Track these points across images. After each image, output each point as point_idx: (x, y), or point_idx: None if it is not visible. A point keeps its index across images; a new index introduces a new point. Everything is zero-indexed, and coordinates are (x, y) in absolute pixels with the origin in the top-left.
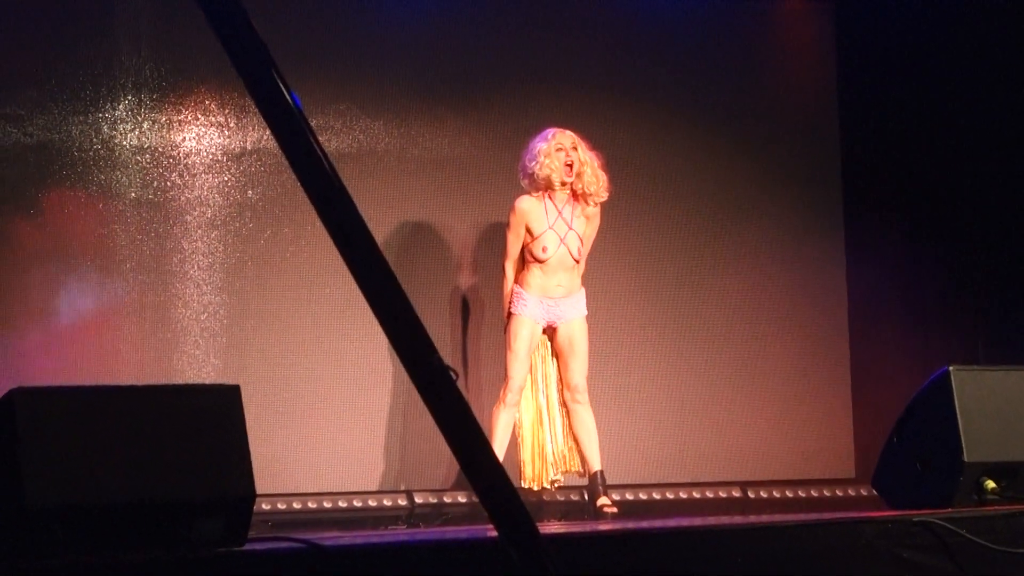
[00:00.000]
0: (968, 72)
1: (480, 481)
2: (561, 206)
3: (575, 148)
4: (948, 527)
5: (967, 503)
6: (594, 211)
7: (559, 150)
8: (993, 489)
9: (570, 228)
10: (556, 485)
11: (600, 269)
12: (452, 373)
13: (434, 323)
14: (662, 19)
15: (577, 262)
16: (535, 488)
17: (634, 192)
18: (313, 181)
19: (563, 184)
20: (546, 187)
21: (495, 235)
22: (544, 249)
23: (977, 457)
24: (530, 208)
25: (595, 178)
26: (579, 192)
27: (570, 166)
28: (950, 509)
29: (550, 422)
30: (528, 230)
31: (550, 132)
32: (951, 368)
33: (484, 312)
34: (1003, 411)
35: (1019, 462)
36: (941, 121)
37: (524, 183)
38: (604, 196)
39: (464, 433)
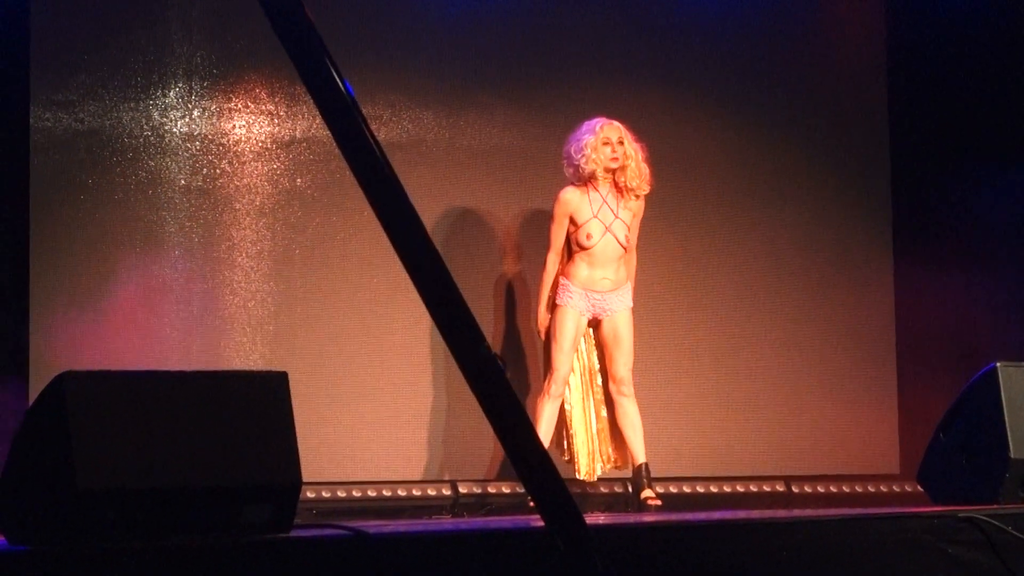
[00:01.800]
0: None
1: (527, 471)
2: (605, 194)
3: (621, 142)
4: (994, 523)
5: (1013, 499)
6: (637, 204)
7: (605, 144)
8: None
9: (616, 217)
10: (600, 477)
11: (645, 263)
12: (500, 363)
13: (482, 313)
14: (709, 5)
15: (625, 250)
16: (588, 479)
17: (680, 184)
18: (365, 169)
19: (606, 174)
20: (590, 179)
21: (543, 225)
22: (588, 236)
23: None
24: (573, 198)
25: (638, 171)
26: (622, 185)
27: (615, 159)
28: (996, 505)
29: (596, 415)
30: (572, 220)
31: (597, 123)
32: (998, 364)
33: (532, 303)
34: None
35: None
36: (993, 109)
37: (568, 172)
38: (646, 189)
39: (512, 423)
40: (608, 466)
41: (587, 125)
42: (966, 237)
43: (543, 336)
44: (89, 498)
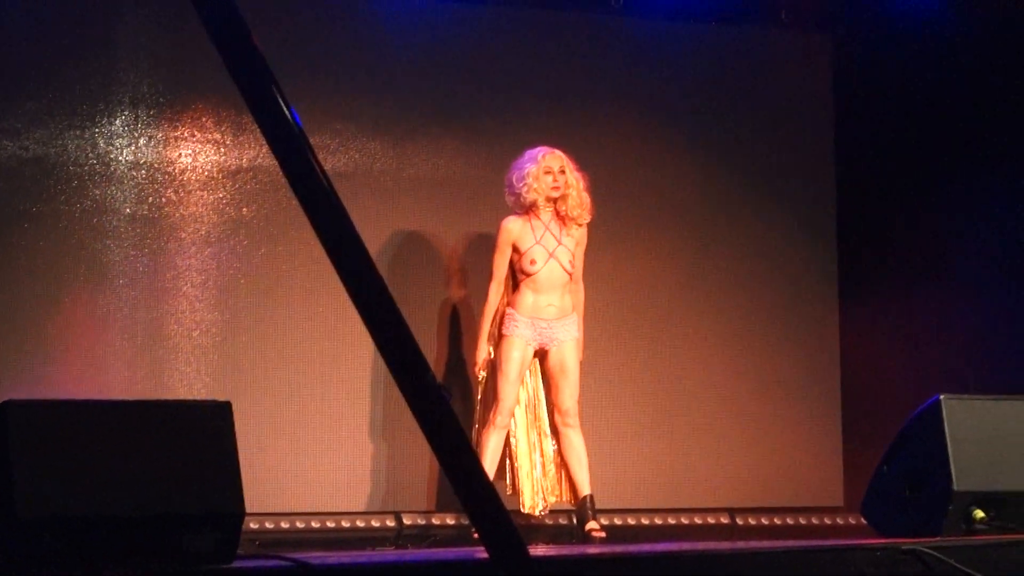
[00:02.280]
0: (967, 103)
1: (472, 502)
2: (547, 222)
3: (563, 171)
4: (937, 556)
5: (956, 532)
6: (580, 231)
7: (547, 173)
8: (982, 519)
9: (559, 243)
10: (546, 511)
11: (590, 290)
12: (445, 393)
13: (428, 342)
14: (658, 45)
15: (570, 275)
16: (534, 513)
17: (625, 213)
18: (311, 199)
19: (548, 203)
20: (532, 207)
21: (490, 255)
22: (532, 262)
23: (967, 486)
24: (515, 227)
25: (579, 200)
26: (563, 214)
27: (556, 189)
28: (939, 538)
29: (541, 448)
30: (515, 247)
31: (539, 152)
32: (942, 397)
33: (478, 333)
34: (993, 440)
35: (1008, 492)
36: (938, 149)
37: (510, 201)
38: (587, 218)
39: (456, 454)
40: (552, 499)
41: (529, 154)
42: (911, 273)
43: (479, 369)
44: (30, 528)
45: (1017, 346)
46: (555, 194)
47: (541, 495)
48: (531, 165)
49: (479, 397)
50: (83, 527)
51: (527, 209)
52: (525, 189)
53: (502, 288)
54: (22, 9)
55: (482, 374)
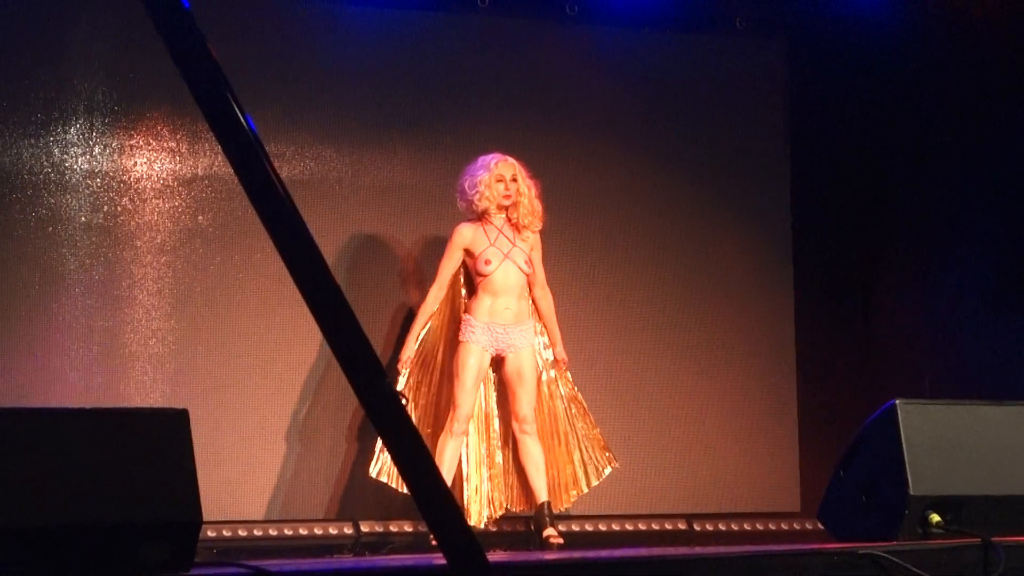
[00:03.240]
0: (920, 111)
1: (429, 508)
2: (500, 226)
3: (514, 179)
4: (893, 560)
5: (912, 536)
6: (533, 237)
7: (499, 181)
8: (938, 523)
9: (513, 245)
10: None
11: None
12: (402, 398)
13: (384, 349)
14: (613, 52)
15: (527, 277)
16: (477, 526)
17: (579, 221)
18: (267, 207)
19: (499, 211)
20: (484, 214)
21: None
22: (487, 262)
23: (922, 491)
24: (468, 232)
25: (530, 208)
26: (515, 222)
27: (508, 197)
28: (895, 542)
29: (491, 459)
30: (469, 252)
31: (492, 160)
32: (898, 401)
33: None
34: (949, 445)
35: (964, 496)
36: (891, 157)
37: (461, 207)
38: (539, 226)
39: (413, 460)
40: (499, 513)
41: (481, 161)
42: (866, 279)
43: (401, 366)
44: None
45: (972, 351)
46: (506, 202)
47: (486, 509)
48: (483, 172)
49: (405, 400)
50: (38, 537)
51: (479, 216)
52: (477, 196)
53: (443, 293)
54: None
55: (404, 372)
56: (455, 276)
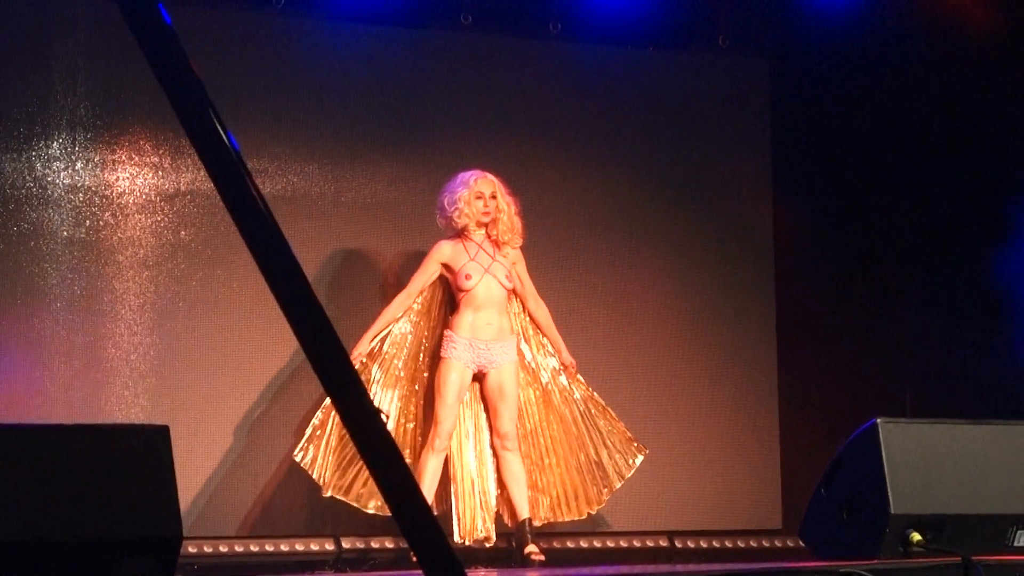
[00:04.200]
0: (902, 127)
1: (410, 526)
2: (480, 241)
3: (494, 196)
4: None
5: (893, 554)
6: (515, 254)
7: (478, 198)
8: (919, 541)
9: (493, 260)
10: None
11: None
12: (383, 415)
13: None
14: (596, 70)
15: (508, 292)
16: (466, 543)
17: (561, 238)
18: (248, 222)
19: (479, 227)
20: (463, 231)
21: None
22: (468, 276)
23: (903, 509)
24: (447, 249)
25: (510, 225)
26: (494, 238)
27: (487, 214)
28: (876, 560)
29: (482, 472)
30: (449, 268)
31: (471, 176)
32: (879, 420)
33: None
34: (930, 464)
35: (945, 515)
36: (873, 174)
37: (441, 223)
38: (519, 243)
39: (394, 477)
40: (490, 526)
41: (461, 177)
42: (848, 297)
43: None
44: None
45: (953, 370)
46: (486, 219)
47: (480, 523)
48: (463, 189)
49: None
50: (19, 552)
51: (459, 232)
52: (456, 213)
53: (408, 302)
54: None
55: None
56: (430, 295)
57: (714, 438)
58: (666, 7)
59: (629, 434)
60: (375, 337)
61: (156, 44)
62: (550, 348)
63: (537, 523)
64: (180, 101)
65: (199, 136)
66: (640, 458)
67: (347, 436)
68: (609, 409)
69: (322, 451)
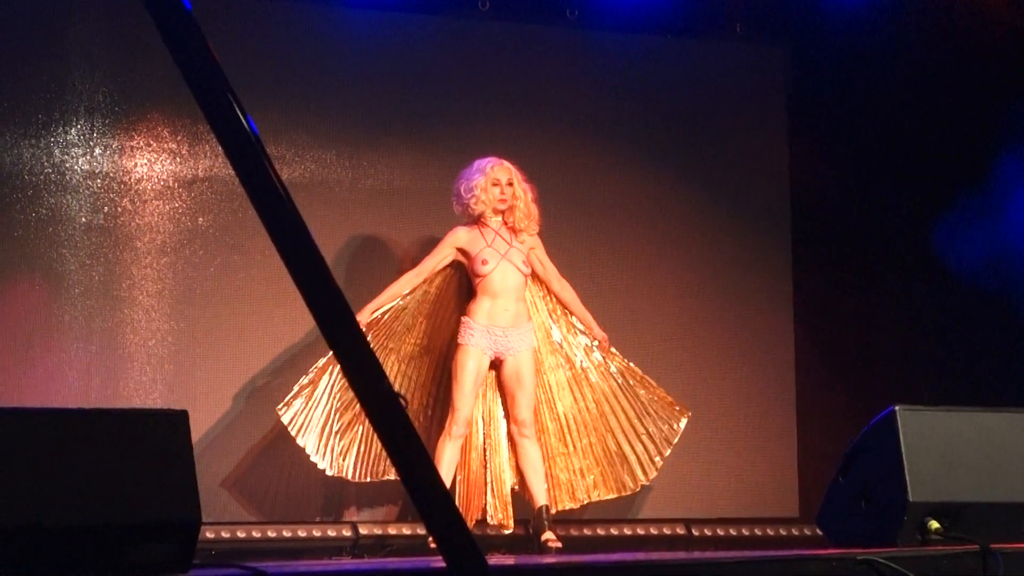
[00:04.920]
0: (920, 115)
1: (429, 511)
2: (497, 228)
3: (510, 183)
4: (892, 566)
5: (911, 542)
6: (532, 240)
7: (495, 185)
8: (937, 529)
9: (511, 246)
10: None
11: (544, 300)
12: (402, 401)
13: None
14: (614, 57)
15: (525, 278)
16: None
17: (578, 225)
18: (268, 208)
19: (495, 214)
20: (479, 218)
21: (448, 265)
22: (484, 262)
23: (922, 497)
24: (463, 235)
25: (527, 212)
26: (511, 225)
27: (503, 201)
28: (894, 548)
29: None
30: (465, 253)
31: (488, 163)
32: (897, 408)
33: (444, 342)
34: (948, 451)
35: (963, 503)
36: (889, 163)
37: (457, 210)
38: (535, 230)
39: (413, 462)
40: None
41: (477, 164)
42: (866, 285)
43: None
44: None
45: (971, 358)
46: (502, 206)
47: (499, 509)
48: (479, 177)
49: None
50: (37, 537)
51: (475, 219)
52: (473, 200)
53: (417, 280)
54: None
55: None
56: (444, 279)
57: (731, 426)
58: None
59: (670, 399)
60: (376, 310)
61: (176, 29)
62: (579, 326)
63: (576, 505)
64: (200, 86)
65: (219, 121)
66: (684, 421)
67: (336, 408)
68: (647, 377)
69: (307, 408)
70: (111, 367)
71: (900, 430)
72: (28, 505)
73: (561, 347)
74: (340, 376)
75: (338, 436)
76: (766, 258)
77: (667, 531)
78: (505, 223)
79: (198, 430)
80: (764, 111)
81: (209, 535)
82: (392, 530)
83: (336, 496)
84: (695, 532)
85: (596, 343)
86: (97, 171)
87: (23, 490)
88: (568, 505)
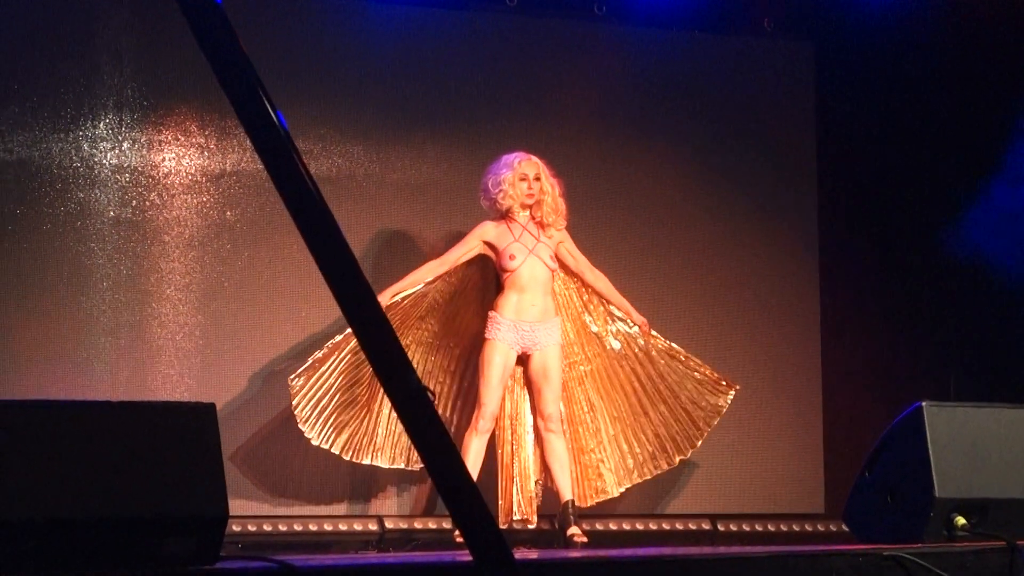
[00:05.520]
0: (948, 113)
1: (456, 505)
2: (525, 223)
3: (538, 178)
4: (918, 562)
5: (937, 538)
6: (560, 234)
7: (522, 179)
8: (963, 525)
9: (538, 241)
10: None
11: (576, 294)
12: (430, 394)
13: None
14: (641, 52)
15: (552, 273)
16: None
17: (605, 220)
18: (297, 202)
19: (523, 209)
20: (507, 212)
21: (473, 259)
22: (512, 257)
23: (948, 493)
24: (491, 229)
25: (554, 206)
26: (538, 220)
27: (531, 196)
28: (920, 544)
29: (524, 452)
30: (493, 247)
31: (515, 159)
32: (924, 404)
33: (464, 336)
34: (974, 448)
35: (989, 499)
36: (918, 158)
37: (484, 204)
38: (563, 225)
39: (441, 456)
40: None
41: (505, 159)
42: (893, 280)
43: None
44: (8, 529)
45: (998, 354)
46: (530, 201)
47: (525, 504)
48: (507, 171)
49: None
50: (63, 530)
51: (503, 214)
52: (500, 195)
53: (441, 270)
54: (5, 14)
55: None
56: (467, 274)
57: (757, 422)
58: None
59: (716, 374)
60: (397, 293)
61: (206, 24)
62: (618, 314)
63: (620, 491)
64: (230, 81)
65: (249, 115)
66: (732, 394)
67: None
68: (691, 356)
69: (314, 381)
70: (138, 361)
71: (927, 426)
72: (56, 498)
73: (595, 337)
74: (350, 354)
75: (338, 410)
76: (792, 255)
77: (693, 526)
78: (533, 218)
79: (225, 423)
80: (792, 106)
81: (235, 528)
82: (418, 524)
83: (363, 489)
84: (720, 528)
85: (636, 328)
86: (125, 165)
87: (51, 483)
88: (623, 486)
